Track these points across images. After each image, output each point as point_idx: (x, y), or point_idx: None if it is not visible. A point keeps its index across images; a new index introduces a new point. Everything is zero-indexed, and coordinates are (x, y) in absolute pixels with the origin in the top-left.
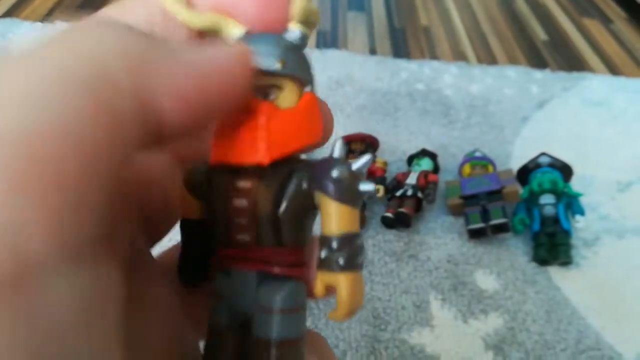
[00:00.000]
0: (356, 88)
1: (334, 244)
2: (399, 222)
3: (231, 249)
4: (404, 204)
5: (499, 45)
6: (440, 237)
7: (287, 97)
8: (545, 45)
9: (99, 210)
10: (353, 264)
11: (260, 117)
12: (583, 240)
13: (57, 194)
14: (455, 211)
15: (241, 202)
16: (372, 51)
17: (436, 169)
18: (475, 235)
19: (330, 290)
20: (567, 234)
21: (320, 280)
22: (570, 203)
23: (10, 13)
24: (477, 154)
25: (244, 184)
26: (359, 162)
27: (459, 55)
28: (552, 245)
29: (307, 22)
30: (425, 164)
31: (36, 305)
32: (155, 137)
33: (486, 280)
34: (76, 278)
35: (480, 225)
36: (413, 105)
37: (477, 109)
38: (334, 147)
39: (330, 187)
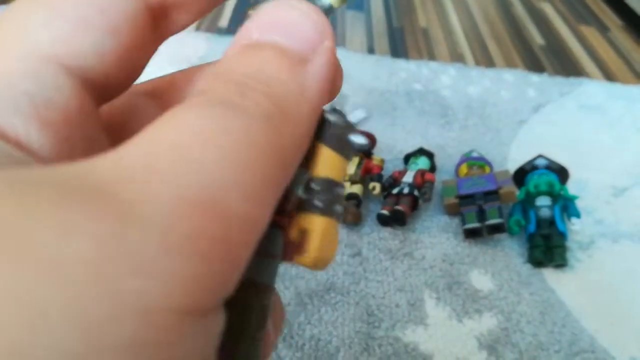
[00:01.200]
0: (354, 86)
1: (314, 186)
2: (395, 220)
3: None
4: (400, 202)
5: (496, 49)
6: (436, 236)
7: None
8: (542, 49)
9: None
10: (330, 209)
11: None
12: (578, 243)
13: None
14: (451, 211)
15: None
16: (370, 50)
17: (433, 168)
18: (471, 235)
19: (303, 236)
20: (562, 236)
21: (296, 222)
22: (566, 205)
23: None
24: (474, 155)
25: None
26: (354, 115)
27: (456, 57)
28: (548, 247)
29: None
30: (422, 162)
31: (209, 332)
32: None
33: (481, 280)
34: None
35: (476, 225)
36: (411, 104)
37: (474, 110)
38: (331, 108)
39: (320, 130)
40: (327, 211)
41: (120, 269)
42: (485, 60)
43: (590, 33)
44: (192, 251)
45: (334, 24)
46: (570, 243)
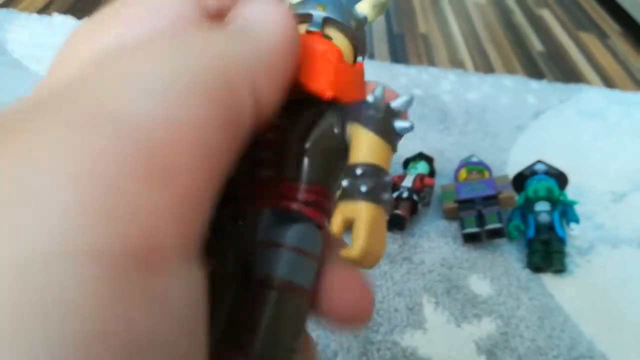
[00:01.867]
0: None
1: (358, 171)
2: (394, 224)
3: (252, 186)
4: (399, 206)
5: (496, 55)
6: (435, 241)
7: (339, 44)
8: (541, 56)
9: (211, 205)
10: (377, 195)
11: (330, 55)
12: (577, 248)
13: (186, 190)
14: (450, 215)
15: (269, 135)
16: (371, 55)
17: (432, 173)
18: (470, 239)
19: (348, 226)
20: (561, 241)
21: (339, 211)
22: (566, 211)
23: (7, 4)
24: (474, 159)
25: (274, 118)
26: (399, 100)
27: (456, 63)
28: (547, 253)
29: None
30: (422, 167)
31: (159, 290)
32: (260, 122)
33: (480, 285)
34: (190, 272)
35: (475, 229)
36: (410, 109)
37: (473, 116)
38: (374, 91)
39: (365, 117)
40: (374, 198)
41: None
42: (484, 66)
43: (590, 40)
44: (81, 172)
45: None
46: (569, 248)
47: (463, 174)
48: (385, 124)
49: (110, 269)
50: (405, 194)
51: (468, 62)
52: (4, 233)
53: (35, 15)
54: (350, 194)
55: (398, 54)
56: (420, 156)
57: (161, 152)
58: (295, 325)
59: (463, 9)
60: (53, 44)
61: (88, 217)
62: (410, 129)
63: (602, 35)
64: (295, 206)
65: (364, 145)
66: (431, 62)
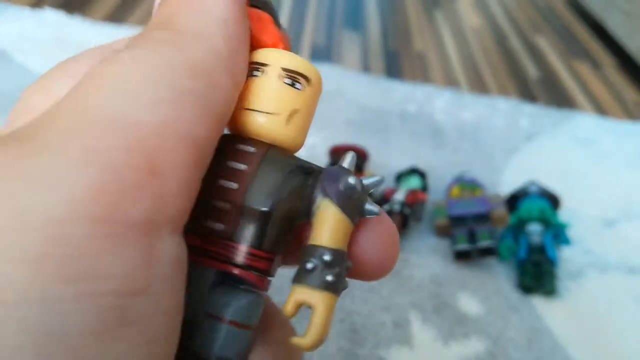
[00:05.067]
0: (348, 103)
1: (326, 257)
2: None
3: (197, 237)
4: None
5: (491, 78)
6: (425, 257)
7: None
8: (535, 82)
9: (197, 188)
10: (338, 286)
11: (266, 18)
12: (567, 272)
13: (179, 178)
14: (442, 232)
15: (230, 184)
16: (365, 70)
17: (424, 188)
18: (461, 256)
19: (297, 311)
20: (552, 263)
21: (297, 294)
22: (557, 233)
23: None
24: (467, 177)
25: (243, 159)
26: (371, 180)
27: (451, 83)
28: (538, 274)
29: None
30: (414, 182)
31: (151, 250)
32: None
33: (469, 304)
34: (176, 243)
35: (466, 246)
36: (404, 125)
37: (467, 135)
38: (345, 158)
39: (338, 195)
40: (336, 289)
41: (24, 187)
42: (479, 87)
43: (583, 69)
44: (93, 161)
45: (330, 42)
46: (559, 271)
47: (455, 190)
48: (357, 205)
49: (112, 232)
50: (396, 208)
51: (463, 82)
52: (41, 197)
53: (27, 9)
54: (312, 280)
55: (393, 71)
56: (413, 171)
57: (158, 149)
58: None
59: (459, 30)
60: (42, 38)
61: (100, 194)
62: (377, 213)
63: (596, 65)
64: (239, 272)
65: (332, 225)
66: (426, 81)
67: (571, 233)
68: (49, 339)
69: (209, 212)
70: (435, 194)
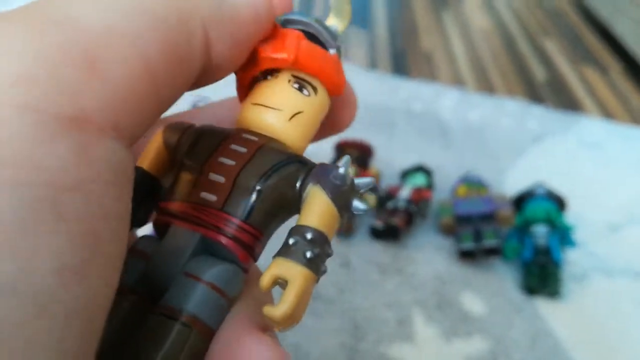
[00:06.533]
0: None
1: (308, 235)
2: (388, 234)
3: (187, 204)
4: (395, 216)
5: (498, 79)
6: (429, 255)
7: None
8: (543, 85)
9: (148, 115)
10: (317, 265)
11: (292, 34)
12: (572, 274)
13: (117, 83)
14: (447, 230)
15: (228, 160)
16: (372, 68)
17: (430, 186)
18: (466, 255)
19: (273, 285)
20: (557, 264)
21: (273, 268)
22: (563, 235)
23: None
24: (473, 176)
25: (245, 144)
26: (363, 180)
27: (458, 83)
28: (542, 275)
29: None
30: (420, 179)
31: (85, 147)
32: (208, 77)
33: (472, 303)
34: (118, 149)
35: (471, 245)
36: (410, 123)
37: (473, 135)
38: (342, 159)
39: (329, 183)
40: (314, 267)
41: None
42: (486, 88)
43: (591, 74)
44: (29, 52)
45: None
46: (564, 274)
47: (461, 189)
48: (345, 197)
49: (44, 121)
50: (401, 205)
51: (470, 82)
52: None
53: None
54: (292, 254)
55: (400, 69)
56: (419, 168)
57: (99, 50)
58: None
59: (467, 31)
60: None
61: (29, 83)
62: (364, 211)
63: (603, 71)
64: (226, 241)
65: (318, 210)
66: (433, 80)
67: (576, 236)
68: None
69: (203, 183)
70: (441, 192)
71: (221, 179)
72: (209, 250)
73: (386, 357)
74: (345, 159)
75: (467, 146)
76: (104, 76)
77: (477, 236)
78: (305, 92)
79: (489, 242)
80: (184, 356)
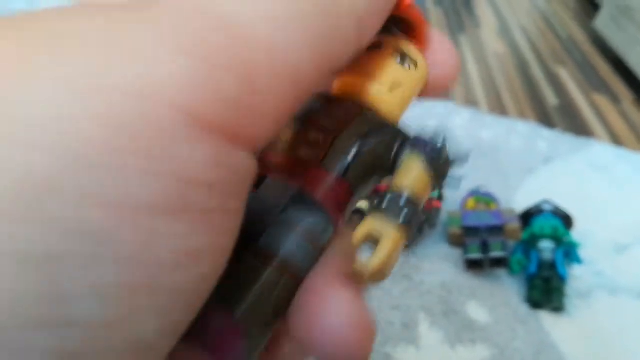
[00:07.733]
0: None
1: (404, 197)
2: None
3: (285, 157)
4: None
5: (510, 102)
6: (437, 264)
7: None
8: (554, 110)
9: (282, 124)
10: (410, 227)
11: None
12: (576, 290)
13: (280, 103)
14: (455, 241)
15: (328, 121)
16: None
17: (440, 197)
18: (473, 266)
19: (370, 243)
20: (562, 280)
21: (369, 224)
22: (569, 251)
23: None
24: (483, 191)
25: (345, 110)
26: (459, 154)
27: (471, 103)
28: (547, 290)
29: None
30: None
31: (222, 154)
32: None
33: (478, 312)
34: (248, 159)
35: (478, 256)
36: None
37: (485, 153)
38: (439, 135)
39: (427, 152)
40: (407, 228)
41: (122, 57)
42: (498, 110)
43: (602, 102)
44: (197, 55)
45: None
46: (568, 289)
47: (470, 203)
48: (442, 169)
49: (192, 124)
50: None
51: (483, 104)
52: (132, 69)
53: None
54: (387, 213)
55: None
56: None
57: (259, 64)
58: (280, 304)
59: (482, 55)
60: None
61: (190, 88)
62: (458, 182)
63: (615, 99)
64: (320, 195)
65: (415, 175)
66: (447, 99)
67: (582, 254)
68: (116, 207)
69: (303, 140)
70: (451, 204)
71: (321, 137)
72: (304, 202)
73: (391, 358)
74: (442, 134)
75: (478, 164)
76: (259, 90)
77: (484, 247)
78: (406, 65)
79: (496, 253)
80: (274, 298)
